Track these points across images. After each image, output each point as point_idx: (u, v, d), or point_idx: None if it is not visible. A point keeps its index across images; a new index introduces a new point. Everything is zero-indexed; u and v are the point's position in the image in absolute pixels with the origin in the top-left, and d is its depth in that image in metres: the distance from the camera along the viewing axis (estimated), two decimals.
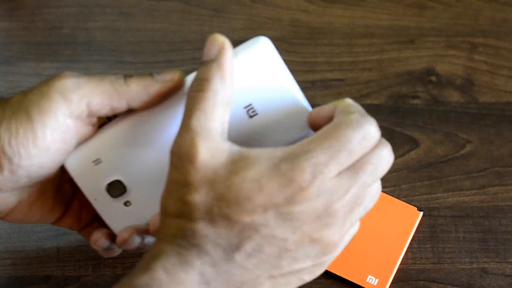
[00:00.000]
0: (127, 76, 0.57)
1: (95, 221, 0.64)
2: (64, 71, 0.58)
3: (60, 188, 0.63)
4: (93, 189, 0.60)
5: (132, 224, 0.62)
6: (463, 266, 0.68)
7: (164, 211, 0.55)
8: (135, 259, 0.68)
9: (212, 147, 0.53)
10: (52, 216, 0.63)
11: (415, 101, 0.76)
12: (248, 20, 0.81)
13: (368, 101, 0.76)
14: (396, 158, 0.73)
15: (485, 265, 0.68)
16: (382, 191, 0.70)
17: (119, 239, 0.61)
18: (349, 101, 0.57)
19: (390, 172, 0.72)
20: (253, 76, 0.57)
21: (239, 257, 0.53)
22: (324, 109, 0.57)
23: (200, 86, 0.54)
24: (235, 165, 0.53)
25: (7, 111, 0.57)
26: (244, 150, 0.54)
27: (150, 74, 0.57)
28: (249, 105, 0.57)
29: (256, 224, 0.53)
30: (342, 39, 0.80)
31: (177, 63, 0.79)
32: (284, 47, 0.79)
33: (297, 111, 0.58)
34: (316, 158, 0.53)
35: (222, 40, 0.55)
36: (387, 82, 0.77)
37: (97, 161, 0.59)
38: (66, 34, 0.80)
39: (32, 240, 0.69)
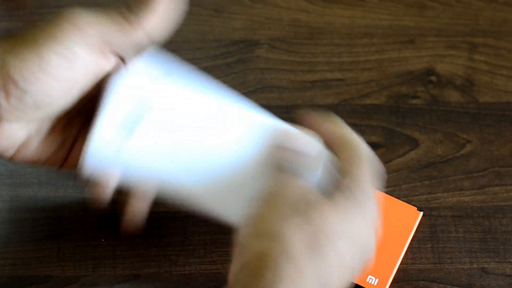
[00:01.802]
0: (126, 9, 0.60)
1: None
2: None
3: (67, 126, 0.63)
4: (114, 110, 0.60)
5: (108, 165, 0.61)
6: (463, 266, 0.68)
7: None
8: (135, 260, 0.68)
9: None
10: (59, 157, 0.63)
11: (415, 101, 0.76)
12: (248, 20, 0.81)
13: (368, 101, 0.76)
14: (396, 158, 0.73)
15: (485, 265, 0.68)
16: (382, 191, 0.70)
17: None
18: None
19: (390, 172, 0.72)
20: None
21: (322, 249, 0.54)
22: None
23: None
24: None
25: (17, 39, 0.58)
26: None
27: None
28: None
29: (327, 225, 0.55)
30: (342, 39, 0.80)
31: None
32: (284, 47, 0.79)
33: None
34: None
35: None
36: (387, 82, 0.77)
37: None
38: None
39: (32, 240, 0.69)
